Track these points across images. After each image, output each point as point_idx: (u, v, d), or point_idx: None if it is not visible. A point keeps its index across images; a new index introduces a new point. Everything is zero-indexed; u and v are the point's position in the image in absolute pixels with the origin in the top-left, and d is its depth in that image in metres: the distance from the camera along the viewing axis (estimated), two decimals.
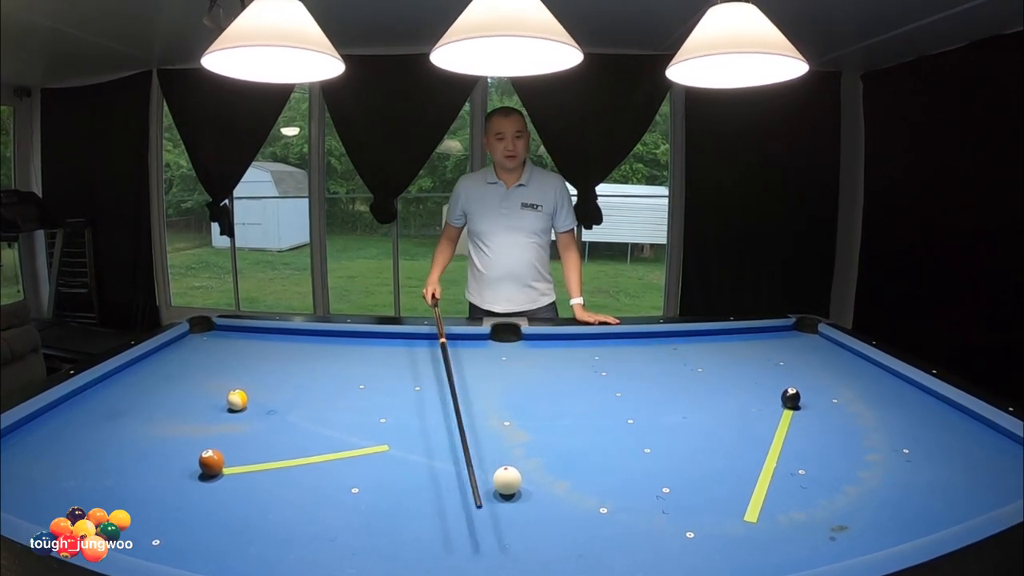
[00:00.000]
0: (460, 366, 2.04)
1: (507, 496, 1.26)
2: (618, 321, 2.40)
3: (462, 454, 1.38)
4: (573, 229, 2.67)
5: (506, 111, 2.58)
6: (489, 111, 2.59)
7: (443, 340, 2.04)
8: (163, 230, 4.99)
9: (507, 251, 2.57)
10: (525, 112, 3.59)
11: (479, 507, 1.17)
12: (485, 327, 2.31)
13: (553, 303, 2.71)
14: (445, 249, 2.73)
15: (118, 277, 4.98)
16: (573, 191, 4.23)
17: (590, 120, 4.25)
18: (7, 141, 5.07)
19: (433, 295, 2.52)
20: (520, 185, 2.58)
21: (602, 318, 2.40)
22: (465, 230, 2.74)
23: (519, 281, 2.60)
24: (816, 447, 1.48)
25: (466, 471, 1.26)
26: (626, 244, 12.24)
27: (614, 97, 4.17)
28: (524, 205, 2.57)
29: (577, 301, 2.52)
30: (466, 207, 2.64)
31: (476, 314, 2.66)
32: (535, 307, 2.64)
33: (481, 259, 2.63)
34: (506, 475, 1.26)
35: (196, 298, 9.35)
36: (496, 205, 2.58)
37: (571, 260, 2.64)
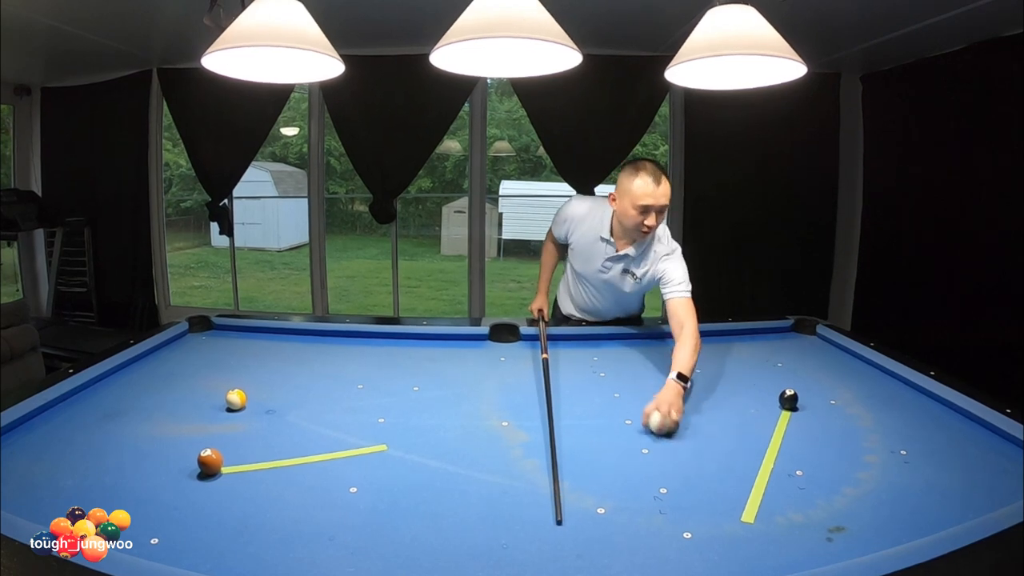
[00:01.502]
0: (459, 366, 2.04)
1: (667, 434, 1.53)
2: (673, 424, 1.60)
3: (460, 455, 1.38)
4: (686, 297, 2.07)
5: (657, 176, 2.08)
6: (632, 166, 2.12)
7: (545, 356, 2.00)
8: (162, 229, 5.00)
9: (598, 297, 2.47)
10: (524, 110, 3.52)
11: (559, 523, 1.18)
12: (483, 328, 2.31)
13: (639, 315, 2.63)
14: (552, 254, 2.62)
15: (117, 276, 4.98)
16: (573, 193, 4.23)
17: (589, 121, 4.26)
18: (7, 140, 5.07)
19: (540, 310, 2.47)
20: (628, 255, 2.25)
21: (663, 413, 1.58)
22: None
23: (610, 316, 2.52)
24: (814, 448, 1.49)
25: (464, 474, 1.26)
26: None
27: (613, 98, 4.18)
28: (625, 271, 2.30)
29: (671, 376, 1.74)
30: (572, 239, 2.42)
31: (557, 313, 2.63)
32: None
33: (575, 287, 2.54)
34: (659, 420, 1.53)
35: (195, 298, 9.33)
36: (599, 259, 2.33)
37: (680, 334, 1.95)
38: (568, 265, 2.57)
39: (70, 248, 4.92)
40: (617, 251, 2.26)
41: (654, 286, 2.24)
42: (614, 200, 2.17)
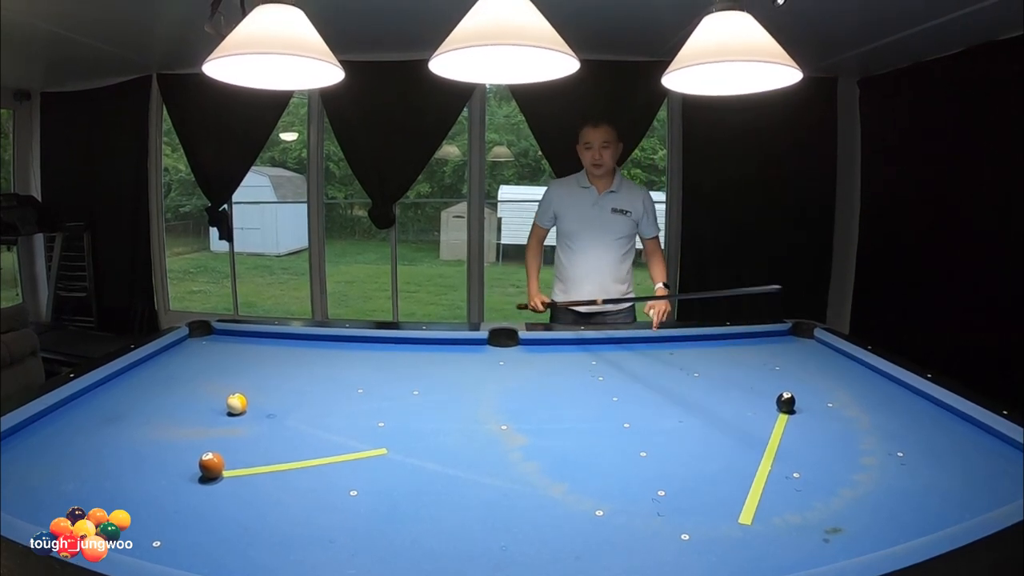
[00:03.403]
0: (458, 371, 2.05)
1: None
2: (656, 324, 2.46)
3: (459, 459, 1.39)
4: (658, 236, 2.88)
5: (595, 122, 2.72)
6: (584, 120, 2.79)
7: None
8: (162, 234, 5.00)
9: (595, 251, 2.74)
10: (521, 113, 3.61)
11: None
12: (483, 332, 2.32)
13: (632, 307, 2.86)
14: (537, 252, 2.91)
15: (117, 281, 4.98)
16: None
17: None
18: (7, 144, 5.08)
19: (543, 302, 2.73)
20: (611, 192, 2.76)
21: (656, 314, 2.49)
22: (554, 233, 2.92)
23: (604, 278, 2.75)
24: (811, 450, 1.49)
25: (463, 477, 1.27)
26: None
27: (612, 103, 4.18)
28: (614, 210, 2.74)
29: (658, 286, 2.73)
30: (558, 210, 2.82)
31: (558, 312, 2.80)
32: (616, 308, 2.79)
33: (569, 258, 2.79)
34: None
35: (194, 302, 9.34)
36: (588, 208, 2.75)
37: (655, 258, 2.85)
38: (560, 247, 2.84)
39: (70, 253, 4.92)
40: (599, 192, 2.76)
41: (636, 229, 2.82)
42: (578, 150, 2.76)
